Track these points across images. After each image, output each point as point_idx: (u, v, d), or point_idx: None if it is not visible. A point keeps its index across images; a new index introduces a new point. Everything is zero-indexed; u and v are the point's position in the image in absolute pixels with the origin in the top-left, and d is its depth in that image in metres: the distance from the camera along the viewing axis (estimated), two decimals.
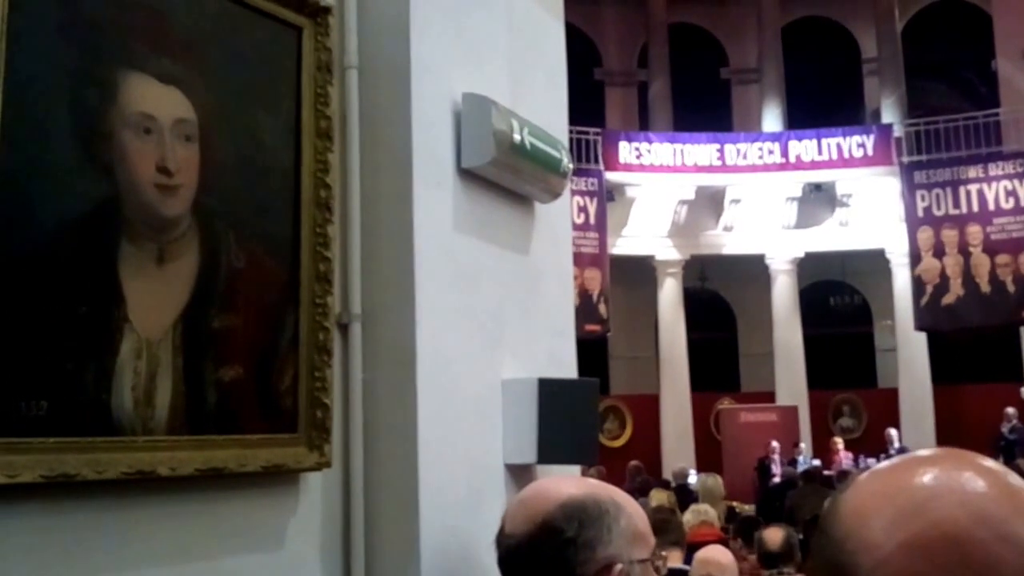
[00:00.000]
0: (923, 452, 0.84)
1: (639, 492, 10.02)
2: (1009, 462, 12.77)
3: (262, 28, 2.09)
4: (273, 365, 1.99)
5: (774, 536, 5.12)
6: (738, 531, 6.23)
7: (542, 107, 2.82)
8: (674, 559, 4.91)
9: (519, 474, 2.41)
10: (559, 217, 2.90)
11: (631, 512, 1.58)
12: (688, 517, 6.91)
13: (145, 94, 1.81)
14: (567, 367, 2.78)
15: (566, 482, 1.65)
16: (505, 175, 2.56)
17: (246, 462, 1.86)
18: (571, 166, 2.82)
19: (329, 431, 2.05)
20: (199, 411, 1.82)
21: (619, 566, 1.50)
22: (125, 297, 1.72)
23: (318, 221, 2.12)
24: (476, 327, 2.41)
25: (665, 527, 5.18)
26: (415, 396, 2.15)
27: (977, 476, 0.76)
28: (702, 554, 4.44)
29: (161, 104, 1.83)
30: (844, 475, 10.54)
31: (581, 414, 2.46)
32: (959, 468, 0.77)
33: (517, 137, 2.50)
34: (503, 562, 1.58)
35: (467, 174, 2.45)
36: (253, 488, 1.91)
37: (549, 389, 2.40)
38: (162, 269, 1.80)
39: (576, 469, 2.64)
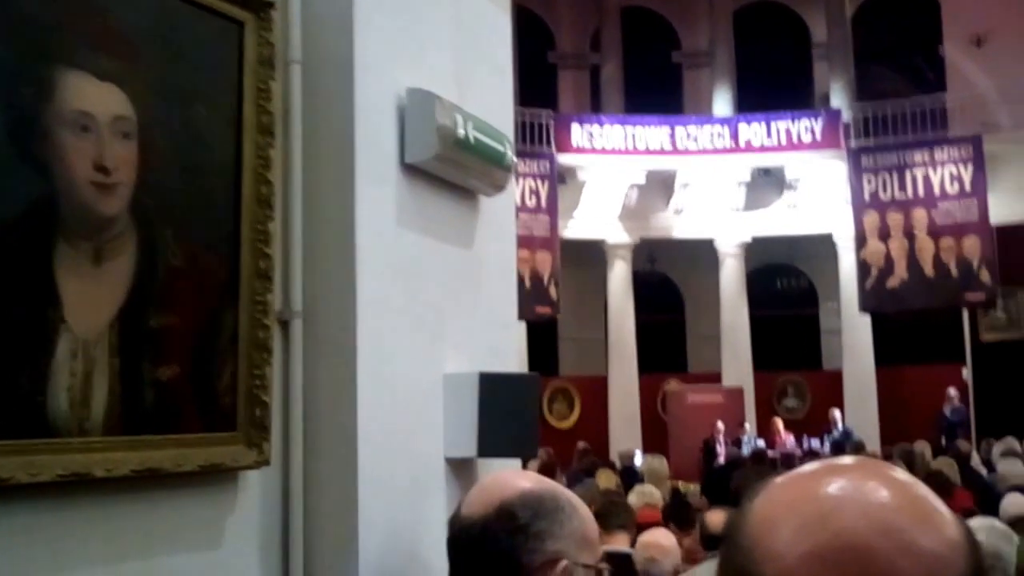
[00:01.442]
0: (835, 460, 0.85)
1: (586, 473, 10.13)
2: (951, 443, 13.08)
3: (203, 22, 2.07)
4: (212, 363, 1.98)
5: (716, 518, 5.20)
6: (671, 515, 6.28)
7: (487, 100, 2.83)
8: (620, 542, 4.96)
9: (460, 468, 2.44)
10: (503, 210, 2.92)
11: (584, 516, 1.62)
12: (632, 499, 6.99)
13: (82, 91, 1.79)
14: (510, 359, 2.81)
15: (527, 476, 1.70)
16: (449, 170, 2.57)
17: (183, 462, 1.86)
18: (515, 160, 2.84)
19: (268, 429, 2.05)
20: (136, 411, 1.82)
21: (564, 562, 1.54)
22: (61, 297, 1.71)
23: (258, 218, 2.11)
24: (418, 322, 2.42)
25: (613, 511, 5.23)
26: (355, 392, 2.16)
27: (882, 486, 0.77)
28: (645, 537, 4.51)
29: (99, 101, 1.82)
30: (787, 458, 10.73)
31: (521, 408, 2.49)
32: (866, 478, 0.78)
33: (461, 132, 2.50)
34: (453, 541, 1.61)
35: (410, 169, 2.46)
36: (190, 487, 1.91)
37: (490, 383, 2.42)
38: (99, 268, 1.79)
39: (517, 463, 2.67)
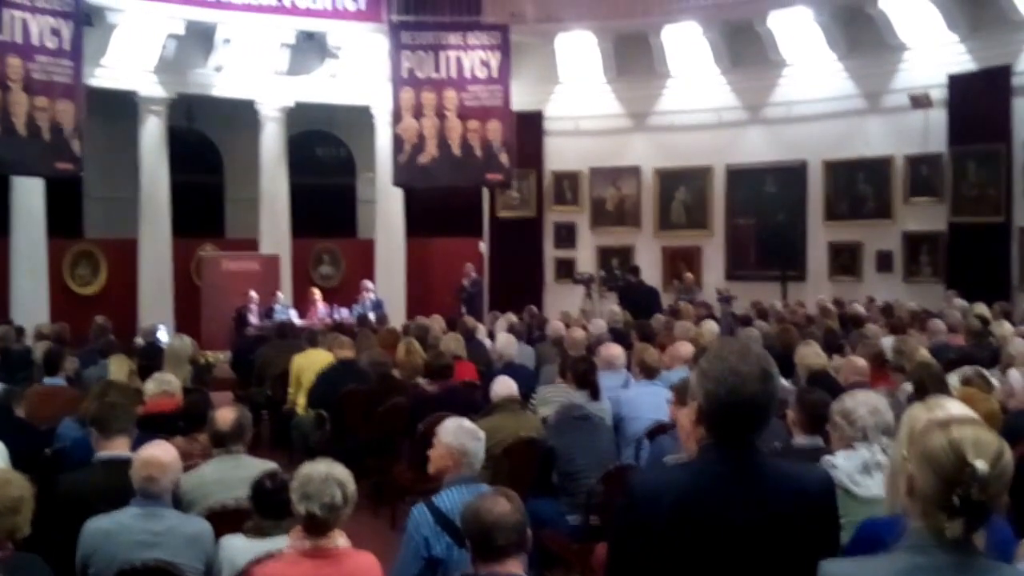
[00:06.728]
0: None
1: (101, 354, 9.57)
2: (470, 313, 14.25)
3: None
4: None
5: (225, 417, 5.20)
6: (184, 419, 6.18)
7: None
8: (120, 447, 4.78)
9: None
10: None
11: None
12: (150, 386, 6.75)
13: None
14: None
15: None
16: None
17: None
18: None
19: None
20: None
21: None
22: None
23: None
24: None
25: (112, 415, 4.98)
26: None
27: None
28: (143, 453, 4.34)
29: None
30: (312, 334, 10.95)
31: None
32: None
33: None
34: None
35: None
36: None
37: None
38: None
39: None
